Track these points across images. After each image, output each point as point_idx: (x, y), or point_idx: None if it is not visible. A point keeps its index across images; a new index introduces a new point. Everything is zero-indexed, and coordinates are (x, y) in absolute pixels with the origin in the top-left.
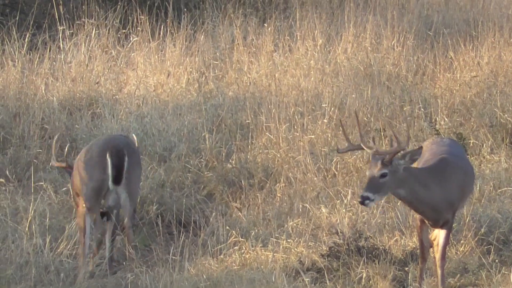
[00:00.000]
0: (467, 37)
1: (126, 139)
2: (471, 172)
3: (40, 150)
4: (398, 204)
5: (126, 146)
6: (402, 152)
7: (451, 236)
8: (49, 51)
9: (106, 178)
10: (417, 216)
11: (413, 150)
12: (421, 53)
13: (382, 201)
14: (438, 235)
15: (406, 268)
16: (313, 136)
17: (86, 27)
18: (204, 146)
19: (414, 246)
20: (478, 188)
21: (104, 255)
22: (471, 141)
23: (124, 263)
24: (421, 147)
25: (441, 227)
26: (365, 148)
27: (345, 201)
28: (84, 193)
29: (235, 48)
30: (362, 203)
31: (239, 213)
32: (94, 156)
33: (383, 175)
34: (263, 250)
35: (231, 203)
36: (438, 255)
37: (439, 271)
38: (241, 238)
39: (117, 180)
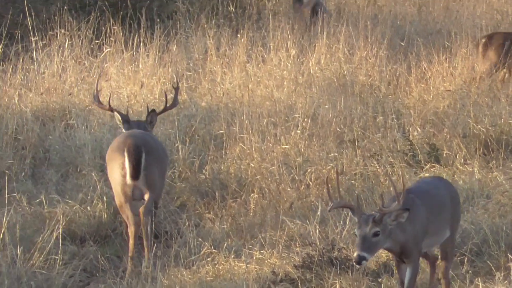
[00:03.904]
0: (440, 47)
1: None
2: (435, 211)
3: (12, 161)
4: None
5: (144, 143)
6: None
7: None
8: (22, 61)
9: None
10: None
11: (399, 211)
12: (394, 63)
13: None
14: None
15: (379, 280)
16: (286, 147)
17: (59, 38)
18: (177, 157)
19: (387, 257)
20: None
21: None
22: (445, 152)
23: (97, 274)
24: (407, 210)
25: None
26: (353, 208)
27: (318, 212)
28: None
29: (208, 58)
30: (358, 263)
31: (212, 224)
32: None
33: (375, 234)
34: (236, 261)
35: (204, 214)
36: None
37: None
38: (214, 249)
39: (135, 176)
